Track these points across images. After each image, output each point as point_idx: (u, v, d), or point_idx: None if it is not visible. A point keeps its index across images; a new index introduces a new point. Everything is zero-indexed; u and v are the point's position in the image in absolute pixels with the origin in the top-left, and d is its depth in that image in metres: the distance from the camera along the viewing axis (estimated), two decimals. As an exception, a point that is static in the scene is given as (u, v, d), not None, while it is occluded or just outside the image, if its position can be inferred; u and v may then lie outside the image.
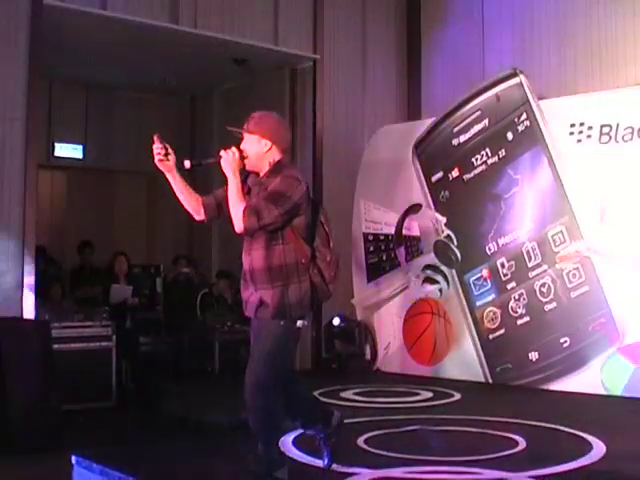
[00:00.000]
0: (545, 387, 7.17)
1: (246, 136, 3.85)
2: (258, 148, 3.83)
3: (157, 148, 3.79)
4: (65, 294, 8.18)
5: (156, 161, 3.82)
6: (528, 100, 7.45)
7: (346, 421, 5.58)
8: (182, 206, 4.04)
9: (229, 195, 3.76)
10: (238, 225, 3.69)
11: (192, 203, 3.97)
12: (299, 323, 3.83)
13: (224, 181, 3.85)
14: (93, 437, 5.57)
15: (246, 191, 3.84)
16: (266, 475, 3.77)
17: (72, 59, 8.67)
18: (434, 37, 9.52)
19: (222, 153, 3.79)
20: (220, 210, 3.95)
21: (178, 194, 3.97)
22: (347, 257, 8.43)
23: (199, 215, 4.00)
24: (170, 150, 3.82)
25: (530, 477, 4.15)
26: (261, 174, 3.88)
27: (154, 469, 4.37)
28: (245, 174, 3.92)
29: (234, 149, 3.80)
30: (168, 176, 3.90)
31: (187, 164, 3.83)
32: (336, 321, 8.51)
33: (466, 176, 7.90)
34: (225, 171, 3.78)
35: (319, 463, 4.28)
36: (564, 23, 8.21)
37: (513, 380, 7.42)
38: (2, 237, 6.64)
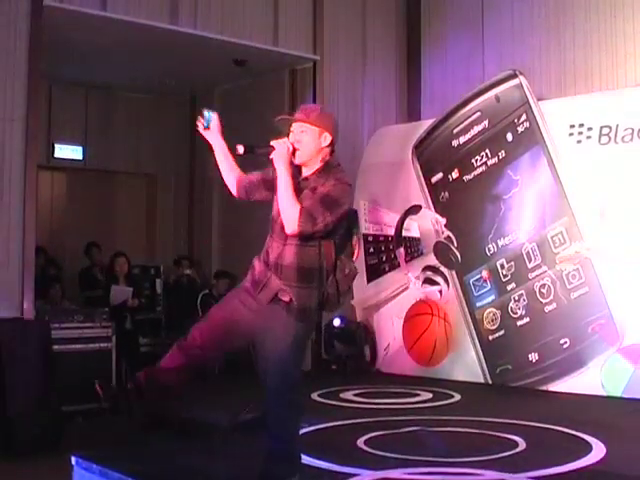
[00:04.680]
0: (545, 388, 7.17)
1: (305, 127, 3.65)
2: (318, 142, 3.65)
3: (198, 121, 3.81)
4: (65, 295, 8.20)
5: (200, 130, 3.84)
6: (528, 101, 7.45)
7: (346, 422, 5.63)
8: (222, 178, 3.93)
9: (281, 191, 3.56)
10: (291, 227, 3.52)
11: (230, 177, 3.88)
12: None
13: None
14: (93, 438, 5.58)
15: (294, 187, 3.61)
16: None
17: (72, 60, 8.67)
18: (434, 38, 9.51)
19: (274, 143, 3.61)
20: (249, 195, 3.84)
21: (219, 163, 3.88)
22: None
23: (234, 191, 3.91)
24: (213, 117, 3.81)
25: (529, 478, 4.16)
26: (308, 170, 3.70)
27: (154, 469, 4.36)
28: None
29: (287, 140, 3.63)
30: (211, 142, 3.86)
31: (240, 149, 3.68)
32: (336, 322, 8.52)
33: (466, 177, 7.90)
34: (276, 164, 3.59)
35: (319, 463, 4.28)
36: (564, 24, 8.21)
37: (513, 381, 7.42)
38: (2, 238, 6.63)
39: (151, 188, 11.05)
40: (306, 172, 3.70)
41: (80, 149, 10.16)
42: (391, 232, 8.55)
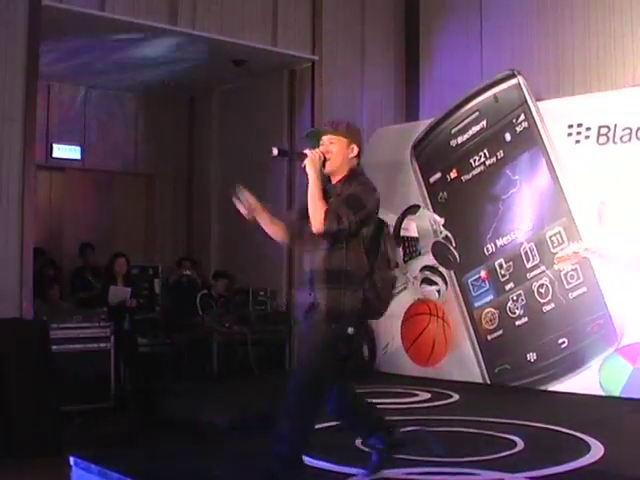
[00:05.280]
0: (543, 388, 7.17)
1: (334, 139, 3.93)
2: (346, 152, 3.94)
3: (238, 205, 3.88)
4: (63, 295, 8.20)
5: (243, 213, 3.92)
6: (526, 101, 7.46)
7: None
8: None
9: (309, 195, 3.82)
10: (317, 227, 3.74)
11: (278, 232, 4.03)
12: (350, 330, 3.80)
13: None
14: (92, 438, 5.58)
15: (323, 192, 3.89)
16: None
17: (70, 60, 8.67)
18: (433, 38, 9.53)
19: (307, 152, 3.89)
20: (297, 230, 4.00)
21: (266, 229, 4.02)
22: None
23: (283, 239, 4.08)
24: (250, 202, 3.88)
25: (528, 478, 4.16)
26: (336, 178, 3.96)
27: (152, 470, 4.37)
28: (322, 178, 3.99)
29: (319, 151, 3.90)
30: (258, 219, 3.97)
31: (275, 151, 3.94)
32: None
33: (464, 177, 7.91)
34: (308, 171, 3.86)
35: (319, 464, 4.28)
36: (562, 24, 8.21)
37: (511, 381, 7.42)
38: (1, 238, 6.64)
39: (150, 188, 11.04)
40: (334, 180, 3.97)
41: (78, 149, 10.14)
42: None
